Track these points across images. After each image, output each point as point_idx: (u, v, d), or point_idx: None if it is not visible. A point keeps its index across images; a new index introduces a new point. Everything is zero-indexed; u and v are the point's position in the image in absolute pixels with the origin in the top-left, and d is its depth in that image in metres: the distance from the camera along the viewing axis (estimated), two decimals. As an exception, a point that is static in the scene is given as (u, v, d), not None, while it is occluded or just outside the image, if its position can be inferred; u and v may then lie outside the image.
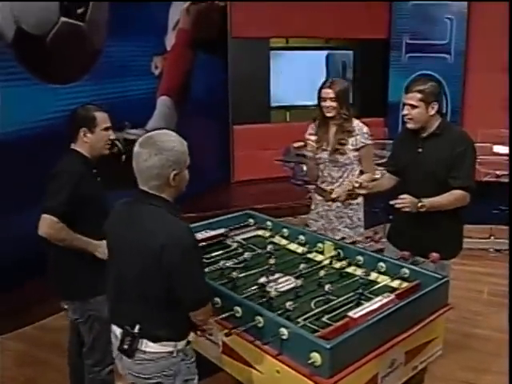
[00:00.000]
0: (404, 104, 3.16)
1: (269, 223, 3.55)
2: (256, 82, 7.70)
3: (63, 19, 4.77)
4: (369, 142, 3.64)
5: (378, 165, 4.17)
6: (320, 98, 3.59)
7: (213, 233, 3.36)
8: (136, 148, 2.13)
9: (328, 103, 3.55)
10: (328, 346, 2.07)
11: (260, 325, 2.34)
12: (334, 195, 3.62)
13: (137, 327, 2.15)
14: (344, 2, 7.58)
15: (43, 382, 3.59)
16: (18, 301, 4.14)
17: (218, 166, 7.72)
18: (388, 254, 3.20)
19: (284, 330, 2.23)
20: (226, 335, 2.38)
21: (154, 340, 2.16)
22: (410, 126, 3.16)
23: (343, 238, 3.38)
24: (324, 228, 3.71)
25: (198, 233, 3.30)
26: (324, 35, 8.01)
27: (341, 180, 3.66)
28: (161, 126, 6.07)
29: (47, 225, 2.70)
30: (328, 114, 3.57)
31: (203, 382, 2.52)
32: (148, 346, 2.16)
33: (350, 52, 8.23)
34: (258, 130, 7.78)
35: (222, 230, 3.41)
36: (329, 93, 3.54)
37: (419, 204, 3.02)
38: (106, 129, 2.93)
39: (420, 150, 3.18)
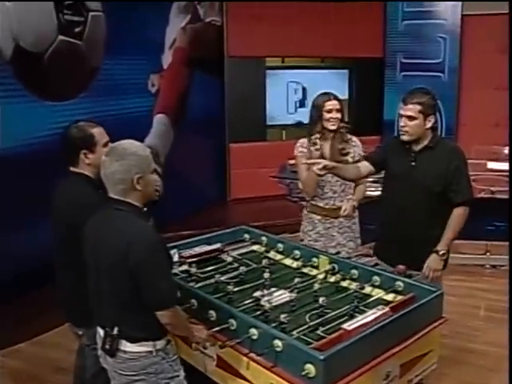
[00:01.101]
0: (401, 116, 3.12)
1: (264, 238, 3.56)
2: (252, 100, 7.77)
3: (61, 37, 4.84)
4: (363, 154, 3.64)
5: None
6: (322, 112, 3.55)
7: (209, 248, 3.37)
8: (102, 158, 2.26)
9: (335, 115, 3.53)
10: (322, 357, 2.07)
11: (254, 337, 2.34)
12: (344, 213, 3.47)
13: (115, 329, 2.23)
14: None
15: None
16: (14, 316, 4.13)
17: (214, 183, 7.75)
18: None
19: (278, 342, 2.23)
20: (221, 347, 2.39)
21: (132, 341, 2.23)
22: (405, 138, 3.13)
23: (338, 253, 3.38)
24: (325, 246, 3.63)
25: (194, 247, 3.34)
26: (320, 54, 8.10)
27: (343, 194, 3.63)
28: (157, 144, 6.16)
29: None
30: (332, 127, 3.54)
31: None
32: (127, 346, 2.23)
33: (346, 71, 8.32)
34: (254, 148, 7.83)
35: (217, 245, 3.41)
36: (336, 104, 3.54)
37: (440, 254, 3.07)
38: (106, 144, 2.76)
39: (413, 163, 3.16)
